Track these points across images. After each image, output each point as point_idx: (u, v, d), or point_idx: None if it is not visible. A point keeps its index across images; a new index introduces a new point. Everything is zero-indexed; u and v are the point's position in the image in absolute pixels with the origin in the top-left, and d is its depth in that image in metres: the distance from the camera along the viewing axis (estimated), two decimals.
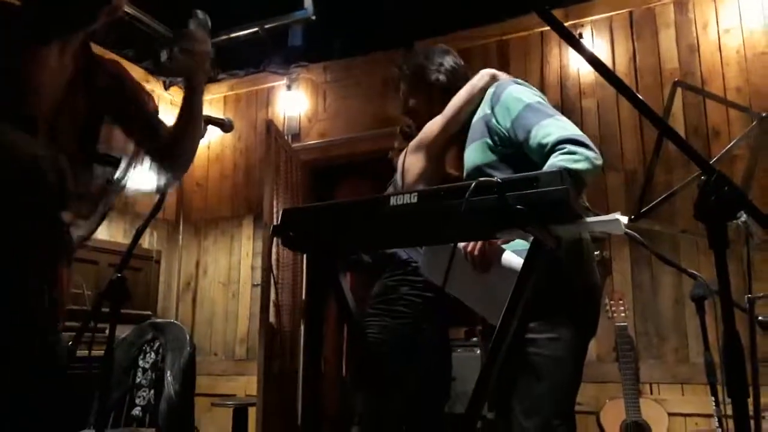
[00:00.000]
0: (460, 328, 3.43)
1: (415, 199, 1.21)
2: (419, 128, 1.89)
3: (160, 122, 1.59)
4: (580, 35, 3.68)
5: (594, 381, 3.13)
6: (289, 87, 4.53)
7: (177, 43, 1.54)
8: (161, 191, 1.65)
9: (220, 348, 4.28)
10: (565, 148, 1.47)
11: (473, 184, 1.07)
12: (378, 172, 2.90)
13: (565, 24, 3.68)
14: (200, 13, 1.55)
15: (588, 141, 1.51)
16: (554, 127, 1.54)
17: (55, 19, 1.35)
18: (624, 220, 1.15)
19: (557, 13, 3.69)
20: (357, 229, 1.32)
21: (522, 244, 1.50)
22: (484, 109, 1.75)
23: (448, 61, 1.91)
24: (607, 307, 3.01)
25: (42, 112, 1.33)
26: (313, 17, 4.23)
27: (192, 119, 1.58)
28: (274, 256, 3.65)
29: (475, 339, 3.21)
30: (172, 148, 1.57)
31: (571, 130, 1.53)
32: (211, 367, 4.18)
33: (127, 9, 3.58)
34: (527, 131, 1.57)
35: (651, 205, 1.51)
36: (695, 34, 3.42)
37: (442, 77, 1.88)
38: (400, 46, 4.24)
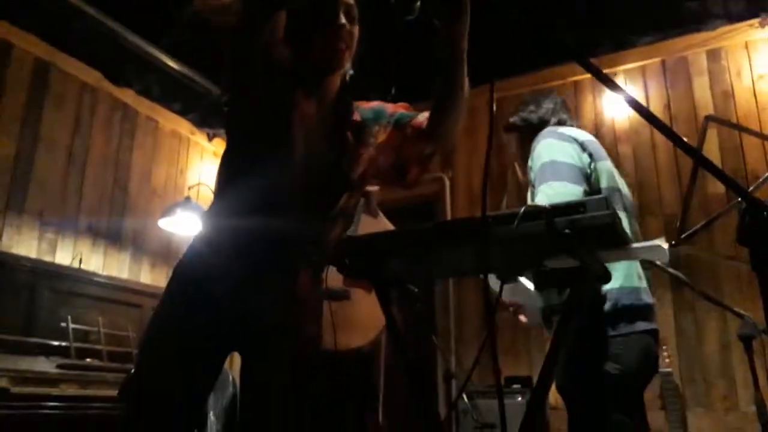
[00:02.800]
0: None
1: (469, 227, 1.26)
2: None
3: (407, 124, 1.51)
4: (616, 84, 3.75)
5: None
6: None
7: None
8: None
9: None
10: None
11: (521, 211, 1.11)
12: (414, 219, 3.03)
13: None
14: None
15: None
16: (542, 195, 1.71)
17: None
18: (665, 246, 1.17)
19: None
20: (407, 258, 1.37)
21: None
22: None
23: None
24: None
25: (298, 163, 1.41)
26: (351, 72, 4.42)
27: (455, 85, 1.40)
28: None
29: (516, 386, 3.15)
30: (432, 136, 1.47)
31: (550, 200, 1.61)
32: None
33: (173, 64, 3.80)
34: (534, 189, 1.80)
35: (691, 230, 1.53)
36: (729, 80, 3.46)
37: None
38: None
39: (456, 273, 2.13)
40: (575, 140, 1.88)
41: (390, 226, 2.45)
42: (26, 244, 3.29)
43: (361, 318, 1.90)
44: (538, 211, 1.13)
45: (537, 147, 1.87)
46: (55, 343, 2.90)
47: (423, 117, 1.50)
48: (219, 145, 4.80)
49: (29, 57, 3.54)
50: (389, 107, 1.57)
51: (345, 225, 1.55)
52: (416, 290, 2.25)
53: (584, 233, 1.11)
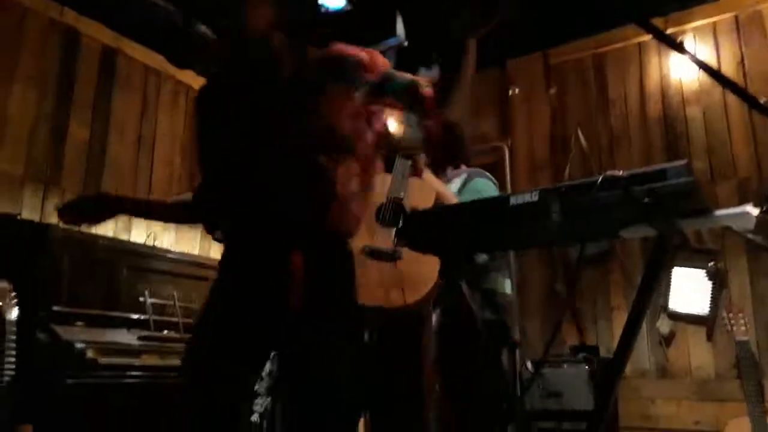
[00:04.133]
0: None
1: (536, 198, 1.24)
2: None
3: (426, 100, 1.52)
4: (681, 43, 3.58)
5: (713, 400, 2.97)
6: None
7: None
8: None
9: None
10: None
11: (600, 179, 1.10)
12: None
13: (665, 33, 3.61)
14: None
15: None
16: None
17: None
18: (755, 212, 1.13)
19: (656, 22, 3.62)
20: (477, 231, 1.37)
21: None
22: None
23: None
24: (725, 321, 2.86)
25: None
26: (406, 43, 4.37)
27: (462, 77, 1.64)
28: None
29: (581, 355, 3.12)
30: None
31: None
32: None
33: None
34: None
35: None
36: None
37: None
38: (491, 65, 4.30)
39: (522, 245, 2.14)
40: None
41: (436, 183, 2.32)
42: (104, 224, 3.46)
43: (412, 276, 1.94)
44: (616, 180, 1.11)
45: (479, 182, 2.25)
46: (135, 316, 3.05)
47: (429, 88, 1.50)
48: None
49: (96, 44, 3.67)
50: (363, 61, 1.53)
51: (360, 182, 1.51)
52: (482, 261, 2.26)
53: (664, 201, 1.08)
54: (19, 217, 2.86)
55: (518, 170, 4.01)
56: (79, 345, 2.54)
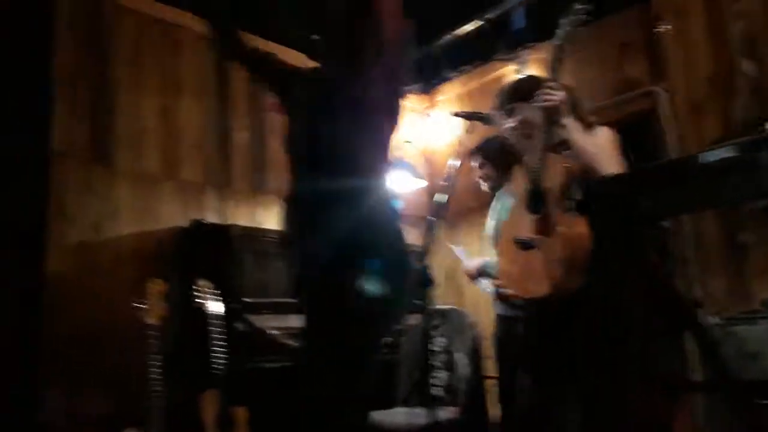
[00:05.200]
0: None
1: (733, 152, 1.16)
2: None
3: None
4: None
5: None
6: (518, 71, 4.52)
7: None
8: None
9: (487, 333, 4.42)
10: None
11: None
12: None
13: None
14: None
15: None
16: None
17: None
18: None
19: None
20: (664, 194, 1.30)
21: None
22: None
23: None
24: None
25: None
26: None
27: None
28: None
29: None
30: None
31: None
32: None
33: None
34: None
35: None
36: None
37: None
38: (632, 5, 3.97)
39: (719, 204, 1.98)
40: None
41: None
42: (273, 220, 3.76)
43: (546, 263, 1.87)
44: None
45: None
46: None
47: None
48: (415, 102, 4.95)
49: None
50: None
51: None
52: (667, 225, 2.13)
53: None
54: (204, 221, 3.19)
55: (677, 116, 3.69)
56: (271, 331, 2.80)
